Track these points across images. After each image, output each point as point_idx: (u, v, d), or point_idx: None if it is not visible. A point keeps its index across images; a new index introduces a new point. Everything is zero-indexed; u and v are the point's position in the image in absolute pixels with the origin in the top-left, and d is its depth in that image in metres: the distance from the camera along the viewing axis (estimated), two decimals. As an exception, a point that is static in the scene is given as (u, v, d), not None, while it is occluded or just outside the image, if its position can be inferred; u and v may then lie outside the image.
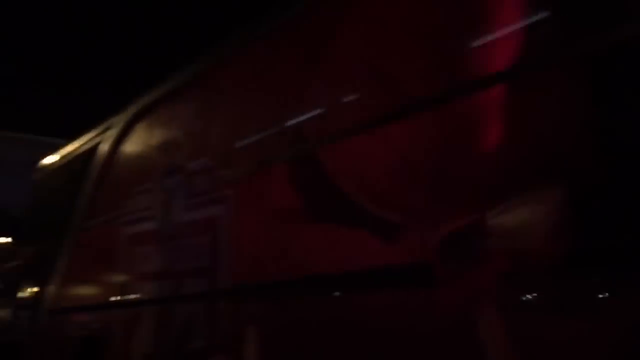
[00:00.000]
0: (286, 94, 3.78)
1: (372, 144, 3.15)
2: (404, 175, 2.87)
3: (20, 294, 7.62)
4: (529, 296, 2.21)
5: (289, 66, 3.80)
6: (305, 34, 3.77)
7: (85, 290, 6.19)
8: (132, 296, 5.21)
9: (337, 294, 3.13)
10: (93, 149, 6.24)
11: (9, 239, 25.88)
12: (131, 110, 5.62)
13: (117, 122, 5.84)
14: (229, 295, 3.92)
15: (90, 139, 6.46)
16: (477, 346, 2.32)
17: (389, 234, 2.84)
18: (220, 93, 4.50)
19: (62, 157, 7.40)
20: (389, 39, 3.16)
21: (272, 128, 3.82)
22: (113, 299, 5.46)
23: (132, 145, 5.62)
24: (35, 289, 7.26)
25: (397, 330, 2.73)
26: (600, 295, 2.04)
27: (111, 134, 5.89)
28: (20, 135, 34.64)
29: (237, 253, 3.92)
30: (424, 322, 2.63)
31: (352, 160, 3.24)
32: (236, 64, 4.33)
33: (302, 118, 3.59)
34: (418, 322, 2.66)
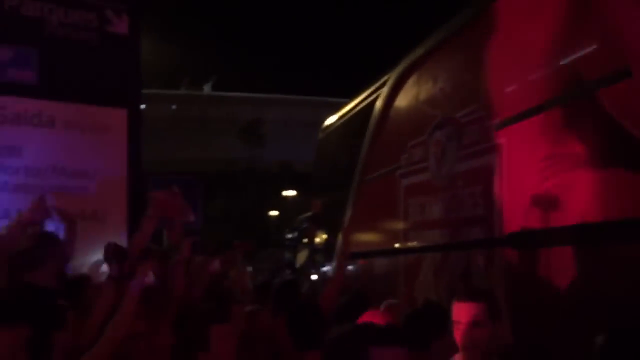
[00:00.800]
0: (562, 32, 3.57)
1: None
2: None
3: (312, 241, 8.55)
4: None
5: (566, 2, 3.58)
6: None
7: (367, 237, 6.70)
8: (410, 243, 5.51)
9: (621, 243, 2.95)
10: (369, 106, 6.63)
11: (295, 192, 28.88)
12: (402, 65, 5.83)
13: (390, 78, 6.11)
14: (504, 242, 3.93)
15: (367, 96, 6.86)
16: None
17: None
18: (488, 39, 4.43)
19: (343, 115, 7.99)
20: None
21: (547, 70, 3.66)
22: (393, 245, 5.84)
23: (404, 99, 5.85)
24: (325, 237, 8.07)
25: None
26: None
27: (385, 90, 6.20)
28: (302, 97, 38.11)
29: (511, 201, 3.90)
30: None
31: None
32: (504, 8, 4.22)
33: (580, 57, 3.37)
34: None
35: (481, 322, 2.43)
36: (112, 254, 3.06)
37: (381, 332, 1.65)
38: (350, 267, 7.02)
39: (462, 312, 2.47)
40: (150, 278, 2.89)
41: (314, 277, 8.36)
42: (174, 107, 36.82)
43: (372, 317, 3.19)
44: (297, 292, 4.72)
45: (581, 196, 3.24)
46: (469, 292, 2.64)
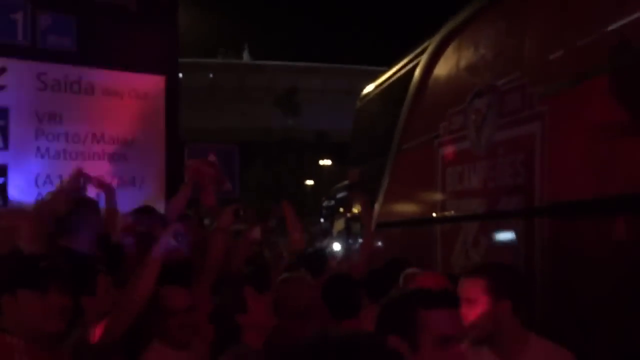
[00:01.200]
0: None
1: None
2: None
3: (349, 210, 8.56)
4: None
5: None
6: None
7: (405, 207, 6.65)
8: (447, 213, 5.44)
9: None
10: (408, 74, 6.51)
11: (330, 162, 28.82)
12: (442, 32, 5.69)
13: (430, 45, 5.98)
14: (545, 212, 3.85)
15: (405, 64, 6.74)
16: None
17: None
18: (531, 5, 4.29)
19: (381, 84, 7.88)
20: None
21: (592, 37, 3.53)
22: (430, 214, 5.78)
23: (444, 67, 5.72)
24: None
25: None
26: None
27: (424, 58, 6.07)
28: (340, 66, 37.79)
29: (553, 170, 3.80)
30: None
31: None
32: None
33: (628, 23, 3.23)
34: None
35: (473, 299, 2.37)
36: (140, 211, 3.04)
37: (428, 295, 1.66)
38: (387, 236, 7.00)
39: (460, 289, 2.44)
40: (171, 242, 2.83)
41: (350, 246, 8.38)
42: (211, 75, 36.93)
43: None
44: (325, 261, 4.78)
45: (626, 166, 3.14)
46: (469, 268, 2.59)
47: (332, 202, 10.19)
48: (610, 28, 3.35)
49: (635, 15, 3.16)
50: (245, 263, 4.42)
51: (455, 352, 1.58)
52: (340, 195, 9.25)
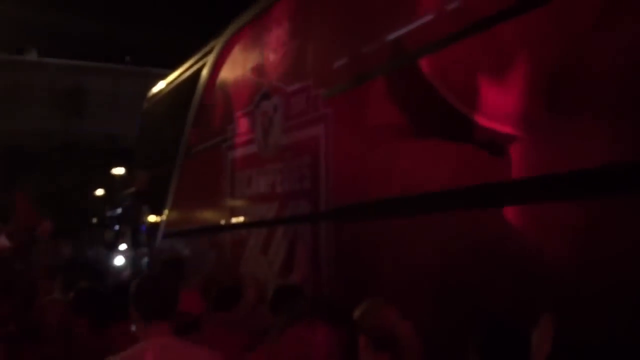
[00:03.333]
0: (384, 3, 3.52)
1: (478, 53, 2.85)
2: (516, 85, 2.57)
3: (137, 219, 8.04)
4: None
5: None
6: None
7: (193, 215, 6.36)
8: (237, 219, 5.28)
9: (440, 212, 2.95)
10: (196, 75, 6.27)
11: (123, 169, 27.29)
12: (228, 32, 5.54)
13: (216, 46, 5.79)
14: (330, 216, 3.84)
15: (193, 64, 6.48)
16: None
17: (497, 148, 2.60)
18: (314, 6, 4.30)
19: (169, 84, 7.52)
20: None
21: (371, 41, 3.60)
22: (219, 222, 5.58)
23: (230, 68, 5.56)
24: (150, 214, 7.60)
25: (506, 247, 2.55)
26: None
27: (211, 58, 5.87)
28: (132, 68, 35.99)
29: (336, 173, 3.80)
30: (533, 239, 2.43)
31: (456, 71, 2.97)
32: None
33: (402, 29, 3.33)
34: (526, 239, 2.46)
35: None
36: None
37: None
38: (177, 246, 6.67)
39: None
40: None
41: (136, 256, 7.87)
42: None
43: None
44: (80, 274, 4.52)
45: (404, 167, 3.21)
46: None
47: (118, 211, 9.53)
48: (386, 35, 3.44)
49: (408, 25, 3.27)
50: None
51: None
52: (126, 203, 8.67)
